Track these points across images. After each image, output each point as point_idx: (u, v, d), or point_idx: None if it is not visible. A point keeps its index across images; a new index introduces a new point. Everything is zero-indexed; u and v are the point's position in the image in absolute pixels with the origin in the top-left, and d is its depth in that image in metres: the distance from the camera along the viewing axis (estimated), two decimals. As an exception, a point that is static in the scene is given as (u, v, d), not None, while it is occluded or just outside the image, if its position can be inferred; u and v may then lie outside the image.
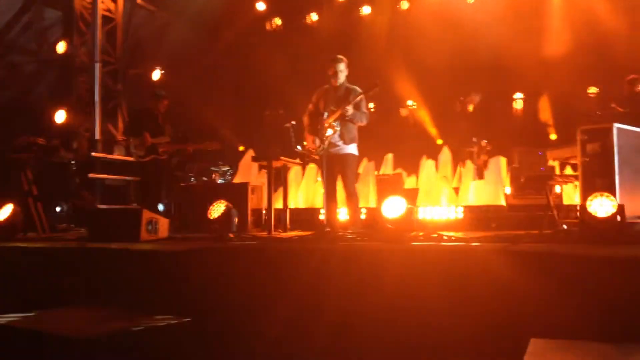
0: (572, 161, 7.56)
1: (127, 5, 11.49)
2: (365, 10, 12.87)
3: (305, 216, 8.12)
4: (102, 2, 10.88)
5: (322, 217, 7.71)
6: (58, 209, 8.28)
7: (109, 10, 11.16)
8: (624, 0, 10.58)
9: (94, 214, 7.30)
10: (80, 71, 10.68)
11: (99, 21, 10.74)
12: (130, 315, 4.11)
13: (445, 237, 5.39)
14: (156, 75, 11.36)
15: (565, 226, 5.73)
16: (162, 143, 7.58)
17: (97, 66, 10.65)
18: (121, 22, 11.44)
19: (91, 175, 9.47)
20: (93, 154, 9.87)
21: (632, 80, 8.12)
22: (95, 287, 4.93)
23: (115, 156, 10.17)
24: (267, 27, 13.27)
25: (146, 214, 5.82)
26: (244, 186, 7.80)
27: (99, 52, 10.69)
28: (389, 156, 10.15)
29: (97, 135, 10.47)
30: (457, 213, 7.51)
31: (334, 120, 6.24)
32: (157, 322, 3.94)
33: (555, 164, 7.99)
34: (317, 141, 6.34)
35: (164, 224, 6.04)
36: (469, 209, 7.66)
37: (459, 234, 6.02)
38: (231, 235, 5.76)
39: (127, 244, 5.41)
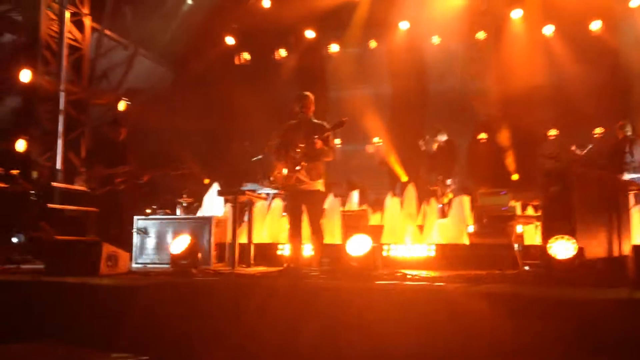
0: (533, 202, 7.73)
1: (94, 35, 11.41)
2: (334, 48, 13.06)
3: (269, 251, 8.03)
4: (69, 31, 10.78)
5: (284, 252, 7.66)
6: (15, 239, 8.02)
7: (75, 40, 11.06)
8: (583, 47, 10.98)
9: (52, 245, 7.08)
10: (44, 100, 10.50)
11: (65, 50, 10.63)
12: (86, 353, 3.98)
13: (408, 276, 5.40)
14: (121, 106, 11.23)
15: (527, 267, 5.80)
16: (120, 173, 7.45)
17: (62, 95, 10.50)
18: (87, 52, 11.34)
19: (50, 205, 9.24)
20: (53, 184, 9.64)
21: (621, 125, 8.43)
22: (50, 322, 4.76)
23: (75, 187, 9.95)
24: (236, 61, 13.34)
25: (106, 248, 5.69)
26: (208, 220, 7.70)
27: (64, 81, 10.55)
28: (355, 193, 10.17)
29: (59, 165, 10.25)
30: (421, 251, 7.53)
31: (301, 157, 6.24)
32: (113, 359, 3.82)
33: (517, 205, 8.13)
34: (284, 176, 6.33)
35: (124, 258, 5.90)
36: (440, 247, 7.70)
37: (423, 273, 6.03)
38: (194, 271, 5.66)
39: (85, 278, 5.27)
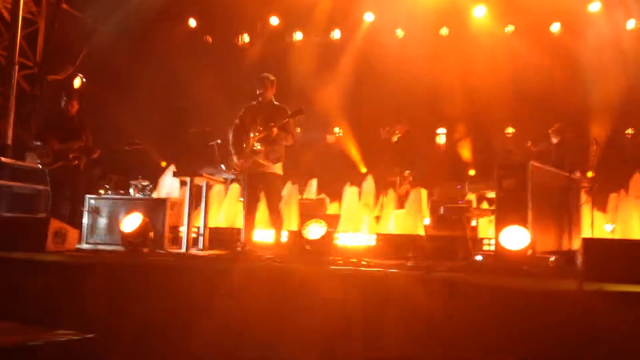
0: (488, 195, 7.83)
1: (51, 8, 11.05)
2: (298, 36, 12.98)
3: (225, 236, 7.94)
4: (25, 3, 10.41)
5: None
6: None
7: (31, 13, 10.71)
8: (543, 48, 11.18)
9: (-2, 221, 6.85)
10: (-5, 73, 10.14)
11: (20, 23, 10.26)
12: (29, 329, 3.84)
13: (363, 263, 5.40)
14: (77, 82, 10.92)
15: (480, 257, 5.87)
16: (74, 148, 7.22)
17: (15, 69, 10.14)
18: (43, 26, 10.98)
19: (-2, 181, 8.94)
20: (2, 159, 9.31)
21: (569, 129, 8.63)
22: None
23: (25, 163, 9.63)
24: (197, 42, 13.12)
25: (54, 223, 5.52)
26: (162, 202, 7.55)
27: (16, 54, 10.19)
28: (313, 181, 10.15)
29: (9, 141, 9.91)
30: (376, 240, 7.55)
31: (259, 140, 6.17)
32: (57, 337, 3.70)
33: (473, 198, 8.23)
34: (243, 157, 6.25)
35: (73, 235, 5.73)
36: (388, 237, 7.73)
37: (377, 261, 6.04)
38: (145, 250, 5.54)
39: (31, 254, 5.09)
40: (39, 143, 7.27)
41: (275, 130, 6.11)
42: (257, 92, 6.40)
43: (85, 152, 7.28)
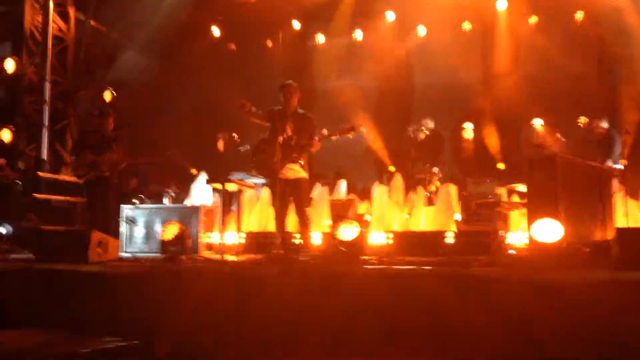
0: (518, 189, 7.82)
1: (79, 25, 11.34)
2: (320, 39, 13.06)
3: (259, 240, 8.07)
4: (54, 22, 10.71)
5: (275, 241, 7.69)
6: (2, 230, 7.98)
7: (60, 30, 10.99)
8: (568, 38, 11.09)
9: (40, 235, 7.06)
10: (29, 91, 10.44)
11: (50, 41, 10.56)
12: (77, 338, 4.00)
13: (396, 261, 5.46)
14: (107, 96, 11.19)
15: (514, 251, 5.89)
16: (105, 159, 7.43)
17: (47, 86, 10.44)
18: (72, 43, 11.27)
19: (37, 195, 9.20)
20: (39, 174, 9.60)
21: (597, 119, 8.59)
22: (42, 309, 4.76)
23: (61, 176, 9.92)
24: (222, 51, 13.31)
25: (95, 235, 5.70)
26: (196, 209, 7.72)
27: (49, 72, 10.49)
28: (342, 182, 10.22)
29: (45, 156, 10.20)
30: (406, 238, 7.60)
31: (294, 150, 6.26)
32: (105, 344, 3.85)
33: (503, 192, 8.22)
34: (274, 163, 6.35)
35: (113, 245, 5.91)
36: (421, 235, 7.77)
37: (412, 259, 6.09)
38: (183, 258, 5.68)
39: (75, 266, 5.27)
40: (74, 157, 7.53)
41: (317, 144, 6.24)
42: (282, 100, 6.49)
43: (114, 163, 7.49)
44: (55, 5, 10.73)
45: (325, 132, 6.68)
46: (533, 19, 11.61)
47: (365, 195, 9.58)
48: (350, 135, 6.40)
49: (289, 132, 6.32)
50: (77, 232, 6.52)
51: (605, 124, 8.57)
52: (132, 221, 7.63)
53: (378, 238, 7.63)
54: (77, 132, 10.90)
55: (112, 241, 5.94)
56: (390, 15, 12.18)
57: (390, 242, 7.25)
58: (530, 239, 5.37)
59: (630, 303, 3.80)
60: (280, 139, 6.30)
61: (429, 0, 11.33)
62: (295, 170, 6.40)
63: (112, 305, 4.60)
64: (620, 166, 8.15)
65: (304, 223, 6.52)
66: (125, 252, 7.46)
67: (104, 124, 7.64)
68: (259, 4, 12.10)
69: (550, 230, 5.17)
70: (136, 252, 7.43)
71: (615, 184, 7.35)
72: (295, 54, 13.06)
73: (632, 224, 6.64)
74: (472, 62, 11.39)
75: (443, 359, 3.97)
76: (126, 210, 7.85)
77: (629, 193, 7.20)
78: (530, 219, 5.73)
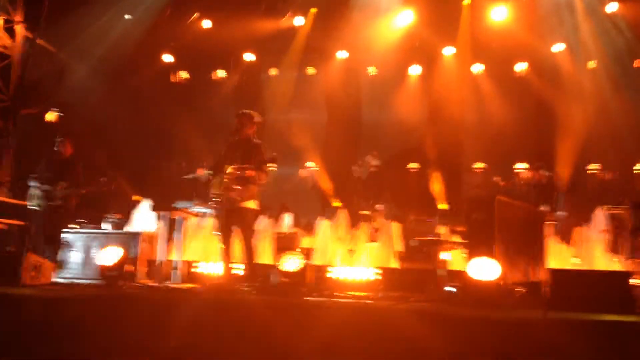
0: (458, 229, 8.04)
1: (26, 43, 11.11)
2: (272, 72, 13.23)
3: (199, 269, 7.97)
4: (-1, 37, 10.49)
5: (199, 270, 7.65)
6: None
7: (5, 47, 10.75)
8: (509, 86, 11.60)
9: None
10: (-32, 106, 10.13)
11: (-7, 57, 10.32)
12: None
13: (336, 294, 5.50)
14: (50, 116, 10.96)
15: (451, 288, 6.02)
16: (62, 189, 7.24)
17: (-13, 103, 10.16)
18: (17, 60, 11.01)
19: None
20: (-27, 193, 9.26)
21: (537, 166, 8.92)
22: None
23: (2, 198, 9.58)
24: (172, 79, 13.27)
25: (30, 258, 5.52)
26: (136, 235, 7.58)
27: (-12, 89, 10.22)
28: (287, 215, 10.24)
29: (-20, 175, 9.87)
30: (351, 273, 7.66)
31: (235, 179, 6.27)
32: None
33: (444, 231, 8.42)
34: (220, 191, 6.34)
35: (48, 269, 5.73)
36: (359, 271, 7.85)
37: (353, 293, 6.14)
38: (122, 283, 5.57)
39: (6, 288, 5.08)
40: (32, 183, 7.29)
41: (250, 172, 6.26)
42: (236, 128, 6.52)
43: (73, 192, 7.28)
44: (3, 21, 10.51)
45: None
46: (477, 66, 12.11)
47: (309, 229, 9.63)
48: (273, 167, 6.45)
49: (240, 162, 6.33)
50: (10, 254, 6.29)
51: (544, 171, 8.93)
52: (68, 245, 7.41)
53: (321, 272, 7.69)
54: (17, 153, 10.58)
55: (47, 264, 5.76)
56: (342, 54, 12.47)
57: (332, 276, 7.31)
58: (467, 276, 5.51)
59: (556, 341, 3.95)
60: (229, 168, 6.30)
61: (380, 42, 11.66)
62: (240, 200, 6.38)
63: (44, 331, 4.45)
64: (563, 213, 8.46)
65: (248, 252, 6.48)
66: (60, 277, 7.22)
67: (63, 149, 7.47)
68: (212, 34, 12.19)
69: (486, 267, 5.33)
70: (71, 278, 7.20)
71: (548, 227, 7.66)
72: (247, 84, 13.16)
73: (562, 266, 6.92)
74: (419, 103, 11.75)
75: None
76: (64, 234, 7.62)
77: (561, 238, 7.53)
78: (468, 258, 5.90)
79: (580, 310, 4.38)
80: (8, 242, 9.11)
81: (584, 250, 8.12)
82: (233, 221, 6.47)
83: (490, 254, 5.68)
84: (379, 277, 7.26)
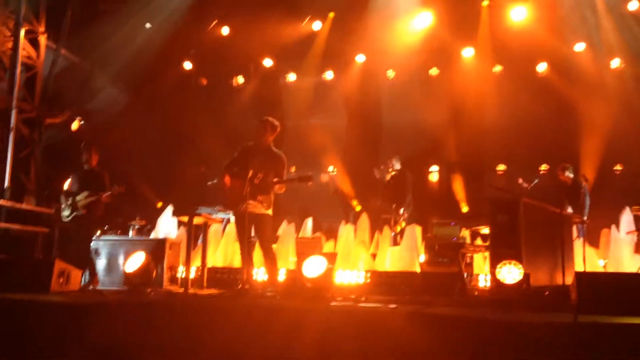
0: (482, 231, 7.97)
1: (49, 53, 11.28)
2: (291, 77, 13.26)
3: (223, 275, 8.01)
4: (24, 48, 10.63)
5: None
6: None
7: (29, 58, 10.91)
8: (531, 87, 11.50)
9: (-1, 264, 6.87)
10: (-6, 116, 10.28)
11: (19, 67, 10.46)
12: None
13: (362, 299, 5.49)
14: (75, 125, 11.10)
15: (476, 292, 5.99)
16: (81, 199, 7.30)
17: (14, 113, 10.30)
18: (42, 71, 11.18)
19: (-5, 224, 8.99)
20: (0, 202, 9.39)
21: (563, 167, 8.81)
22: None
23: (23, 205, 9.72)
24: (193, 85, 13.38)
25: (59, 265, 5.59)
26: (162, 242, 7.63)
27: (16, 98, 10.36)
28: (309, 220, 10.26)
29: (7, 183, 10.00)
30: (366, 278, 7.67)
31: (257, 189, 6.24)
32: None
33: (467, 234, 8.36)
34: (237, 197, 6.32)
35: (76, 276, 5.80)
36: (385, 274, 7.84)
37: (376, 298, 6.12)
38: (148, 290, 5.61)
39: (36, 295, 5.15)
40: (63, 198, 7.37)
41: (278, 187, 6.24)
42: (257, 134, 6.50)
43: (94, 200, 7.30)
44: (26, 32, 10.68)
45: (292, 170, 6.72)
46: (497, 68, 12.03)
47: (331, 234, 9.64)
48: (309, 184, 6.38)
49: (257, 169, 6.29)
50: (39, 262, 6.38)
51: (570, 173, 8.81)
52: (95, 253, 7.48)
53: (344, 276, 7.70)
54: (43, 161, 10.73)
55: (75, 271, 5.83)
56: (360, 58, 12.47)
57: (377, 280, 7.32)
58: (493, 280, 5.47)
59: (587, 345, 3.89)
60: (249, 174, 6.25)
61: (398, 45, 11.63)
62: (258, 207, 6.35)
63: (73, 337, 4.50)
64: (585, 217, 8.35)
65: (269, 259, 6.47)
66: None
67: (89, 160, 7.53)
68: (231, 41, 12.27)
69: (511, 271, 5.29)
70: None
71: (575, 229, 7.57)
72: (266, 90, 13.21)
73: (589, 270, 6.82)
74: (439, 106, 11.69)
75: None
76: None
77: (588, 241, 7.42)
78: (493, 261, 5.86)
79: (610, 314, 4.31)
80: (34, 250, 9.26)
81: (611, 252, 8.03)
82: (251, 227, 6.45)
83: (515, 257, 5.64)
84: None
